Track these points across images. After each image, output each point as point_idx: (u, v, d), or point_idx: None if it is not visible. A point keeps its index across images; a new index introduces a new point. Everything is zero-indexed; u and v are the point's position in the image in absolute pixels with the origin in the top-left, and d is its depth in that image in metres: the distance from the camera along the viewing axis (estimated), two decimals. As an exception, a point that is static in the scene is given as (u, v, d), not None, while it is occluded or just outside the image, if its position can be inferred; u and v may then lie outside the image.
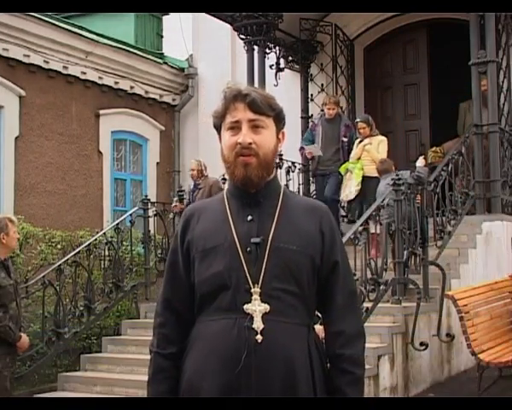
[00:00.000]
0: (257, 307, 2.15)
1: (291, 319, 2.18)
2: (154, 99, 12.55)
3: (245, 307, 2.15)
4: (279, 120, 2.30)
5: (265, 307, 2.15)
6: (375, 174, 8.55)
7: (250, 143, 2.21)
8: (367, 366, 5.62)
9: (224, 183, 9.28)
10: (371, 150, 8.97)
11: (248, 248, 2.20)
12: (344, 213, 9.88)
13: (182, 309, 2.29)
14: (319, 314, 2.34)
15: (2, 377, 5.14)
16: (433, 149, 10.05)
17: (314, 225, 2.27)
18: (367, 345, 2.42)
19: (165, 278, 2.36)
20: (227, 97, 2.25)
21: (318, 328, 2.31)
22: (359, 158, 9.02)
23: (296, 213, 2.28)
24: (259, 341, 2.13)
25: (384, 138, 9.18)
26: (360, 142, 9.11)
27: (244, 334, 2.13)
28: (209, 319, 2.21)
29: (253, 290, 2.17)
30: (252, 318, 2.14)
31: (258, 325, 2.14)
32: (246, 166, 2.21)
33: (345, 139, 9.46)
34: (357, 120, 9.38)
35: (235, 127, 2.23)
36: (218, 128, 2.31)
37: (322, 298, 2.28)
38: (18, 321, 5.34)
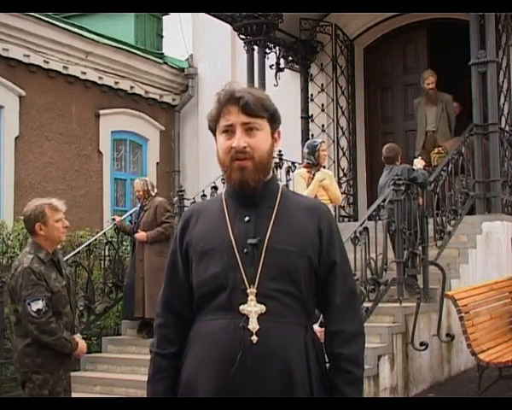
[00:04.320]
0: (252, 308, 2.15)
1: (287, 319, 2.17)
2: (154, 99, 12.55)
3: (241, 307, 2.15)
4: (273, 120, 2.28)
5: (261, 308, 2.15)
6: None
7: (244, 147, 2.19)
8: (367, 366, 5.63)
9: (224, 182, 9.31)
10: (330, 188, 7.11)
11: (245, 249, 2.19)
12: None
13: (181, 310, 2.30)
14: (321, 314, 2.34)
15: (55, 394, 4.57)
16: (436, 149, 9.99)
17: (312, 224, 2.25)
18: (367, 345, 2.42)
19: (164, 279, 2.37)
20: (220, 100, 2.23)
21: (318, 329, 2.30)
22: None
23: (294, 213, 2.27)
24: (255, 341, 2.12)
25: (331, 173, 7.74)
26: (310, 174, 7.10)
27: (239, 334, 2.13)
28: (207, 319, 2.21)
29: (248, 291, 2.16)
30: (247, 318, 2.14)
31: (253, 325, 2.13)
32: (242, 170, 2.20)
33: None
34: (322, 140, 7.54)
35: (229, 131, 2.22)
36: (213, 131, 2.30)
37: (322, 298, 2.28)
38: (72, 326, 4.71)
